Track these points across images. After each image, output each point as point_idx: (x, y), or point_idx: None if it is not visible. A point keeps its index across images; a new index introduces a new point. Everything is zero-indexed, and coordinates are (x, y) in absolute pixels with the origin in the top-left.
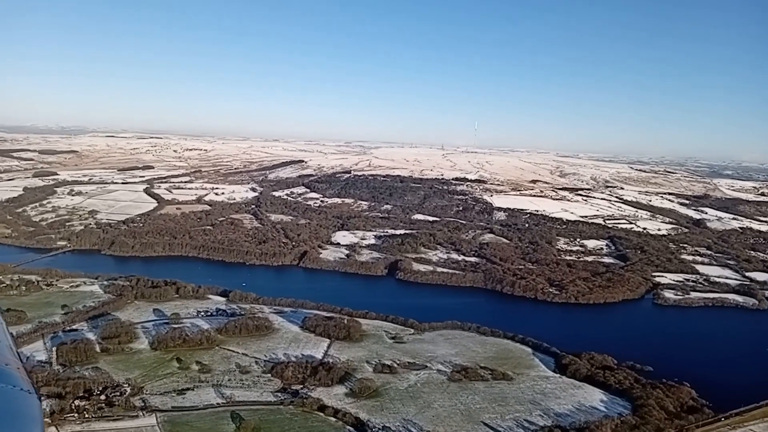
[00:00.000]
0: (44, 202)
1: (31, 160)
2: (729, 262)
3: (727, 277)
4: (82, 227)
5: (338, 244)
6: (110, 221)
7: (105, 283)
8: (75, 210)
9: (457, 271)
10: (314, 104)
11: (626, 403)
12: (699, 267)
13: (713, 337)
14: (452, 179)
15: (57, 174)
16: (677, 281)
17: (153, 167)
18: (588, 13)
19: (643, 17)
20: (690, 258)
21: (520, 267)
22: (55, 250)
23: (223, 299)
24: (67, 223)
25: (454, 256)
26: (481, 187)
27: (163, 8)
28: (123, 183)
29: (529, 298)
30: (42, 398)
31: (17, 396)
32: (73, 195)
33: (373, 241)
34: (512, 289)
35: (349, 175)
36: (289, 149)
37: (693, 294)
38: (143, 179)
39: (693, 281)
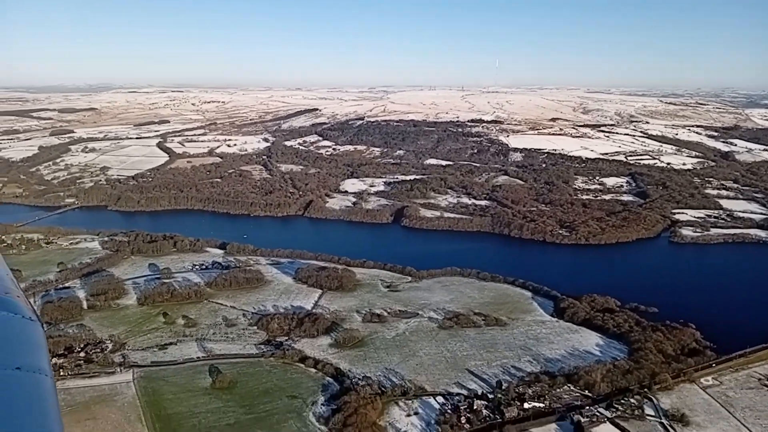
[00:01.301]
0: (58, 160)
1: (50, 119)
2: (756, 195)
3: (752, 212)
4: (92, 184)
5: (346, 192)
6: (120, 177)
7: (105, 239)
8: (87, 167)
9: (464, 216)
10: (338, 51)
11: (623, 347)
12: (723, 202)
13: (729, 276)
14: (468, 121)
15: (73, 132)
16: (698, 218)
17: (169, 121)
18: None
19: None
20: (714, 193)
21: (532, 209)
22: (63, 208)
23: (221, 252)
24: (78, 181)
25: (465, 200)
26: (497, 128)
27: None
28: (137, 138)
29: (537, 240)
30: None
31: (21, 324)
32: (86, 152)
33: (382, 188)
34: (520, 233)
35: (362, 121)
36: (309, 98)
37: (713, 231)
38: (158, 134)
39: (715, 217)
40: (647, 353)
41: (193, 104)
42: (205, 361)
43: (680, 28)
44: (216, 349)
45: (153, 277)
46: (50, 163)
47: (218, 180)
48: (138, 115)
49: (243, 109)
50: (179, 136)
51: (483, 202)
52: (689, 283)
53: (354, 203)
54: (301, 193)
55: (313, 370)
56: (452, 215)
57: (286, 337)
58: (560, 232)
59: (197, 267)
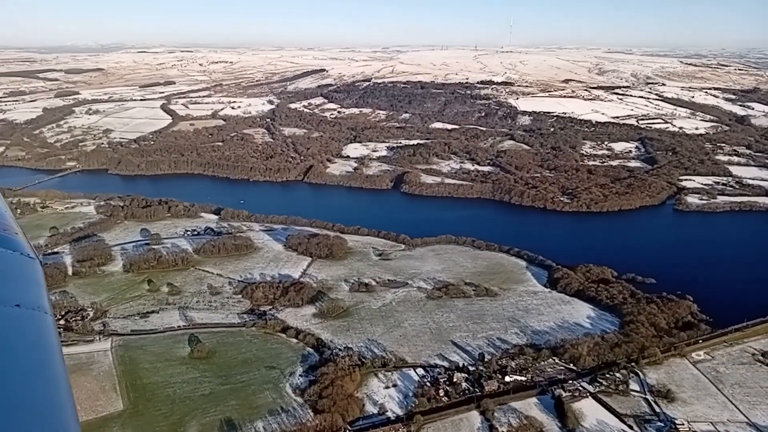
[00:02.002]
0: (61, 122)
1: (57, 80)
2: None
3: (762, 179)
4: (94, 147)
5: (348, 157)
6: (122, 140)
7: (101, 203)
8: (90, 129)
9: (466, 182)
10: (350, 9)
11: (615, 319)
12: (734, 168)
13: (733, 246)
14: (477, 83)
15: (79, 93)
16: (706, 185)
17: (174, 82)
18: None
19: None
20: (725, 159)
21: (535, 175)
22: (64, 172)
23: (215, 217)
24: (81, 144)
25: (468, 165)
26: (507, 90)
27: None
28: (142, 100)
29: (538, 208)
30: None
31: (20, 261)
32: (90, 114)
33: (384, 153)
34: (521, 200)
35: (368, 83)
36: (319, 58)
37: (720, 198)
38: (162, 95)
39: (723, 184)
40: (639, 326)
41: (200, 65)
42: (186, 330)
43: None
44: (198, 317)
45: (142, 243)
46: (54, 125)
47: (220, 143)
48: (144, 76)
49: (250, 69)
50: (184, 97)
51: (486, 168)
52: (690, 253)
53: (355, 169)
54: (302, 157)
55: (294, 340)
56: (453, 181)
57: (270, 306)
58: (561, 199)
59: (189, 233)
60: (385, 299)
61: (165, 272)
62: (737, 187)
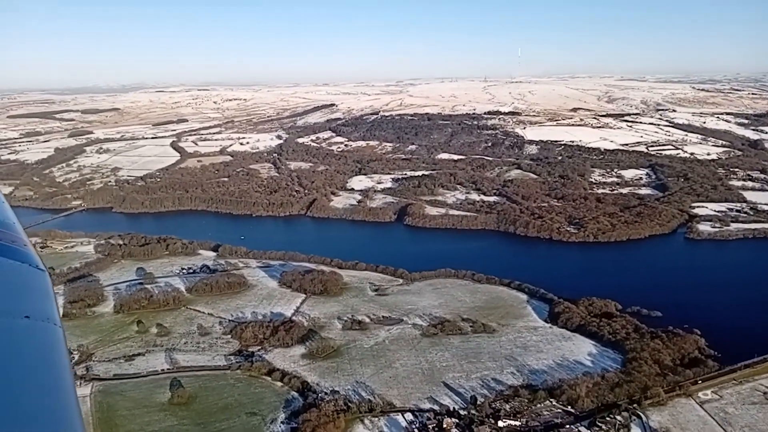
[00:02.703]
0: (71, 162)
1: (73, 120)
2: None
3: None
4: (102, 185)
5: (352, 189)
6: (129, 178)
7: (102, 242)
8: (98, 168)
9: (470, 213)
10: (366, 45)
11: (617, 356)
12: (747, 194)
13: (745, 275)
14: (484, 113)
15: (92, 133)
16: (718, 211)
17: (187, 120)
18: None
19: None
20: (739, 184)
21: (542, 204)
22: (69, 210)
23: (213, 254)
24: (88, 182)
25: (474, 196)
26: (514, 120)
27: None
28: (153, 138)
29: (543, 238)
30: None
31: (30, 273)
32: (100, 153)
33: (389, 185)
34: (526, 230)
35: (376, 116)
36: (332, 93)
37: (733, 225)
38: (174, 133)
39: (737, 210)
40: (641, 364)
41: (214, 102)
42: (169, 374)
43: (716, 9)
44: (184, 360)
45: (135, 283)
46: (64, 164)
47: (225, 179)
48: (159, 115)
49: (263, 106)
50: (194, 134)
51: (492, 198)
52: (700, 283)
53: (359, 201)
54: (306, 191)
55: (279, 383)
56: (458, 213)
57: (259, 347)
58: (568, 229)
59: (184, 271)
60: (378, 337)
61: (156, 312)
62: (751, 213)
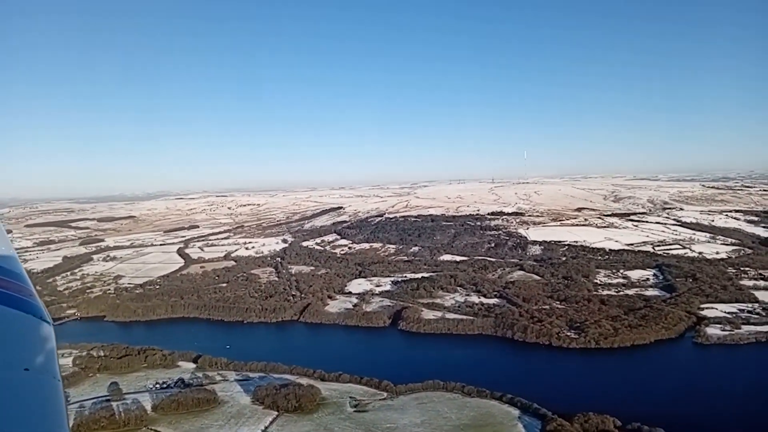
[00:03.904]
0: (76, 270)
1: (88, 228)
2: None
3: None
4: (101, 293)
5: (350, 293)
6: (129, 285)
7: (83, 354)
8: (101, 276)
9: (469, 317)
10: (381, 148)
11: None
12: (759, 294)
13: (759, 384)
14: (488, 214)
15: (103, 241)
16: (729, 313)
17: (198, 226)
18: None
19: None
20: (750, 284)
21: (544, 307)
22: (62, 319)
23: (193, 366)
24: (88, 290)
25: (474, 298)
26: (517, 220)
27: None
28: (161, 245)
29: (542, 344)
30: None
31: (34, 324)
32: (107, 261)
33: (388, 288)
34: (524, 335)
35: (381, 218)
36: (346, 196)
37: (744, 328)
38: (183, 239)
39: (749, 312)
40: None
41: (228, 208)
42: None
43: (728, 108)
44: None
45: (102, 399)
46: (68, 273)
47: (224, 285)
48: (173, 221)
49: (274, 211)
50: (202, 240)
51: (492, 300)
52: (708, 393)
53: (354, 305)
54: (303, 295)
55: None
56: (455, 316)
57: None
58: (568, 334)
59: (158, 386)
60: None
61: None
62: (764, 314)
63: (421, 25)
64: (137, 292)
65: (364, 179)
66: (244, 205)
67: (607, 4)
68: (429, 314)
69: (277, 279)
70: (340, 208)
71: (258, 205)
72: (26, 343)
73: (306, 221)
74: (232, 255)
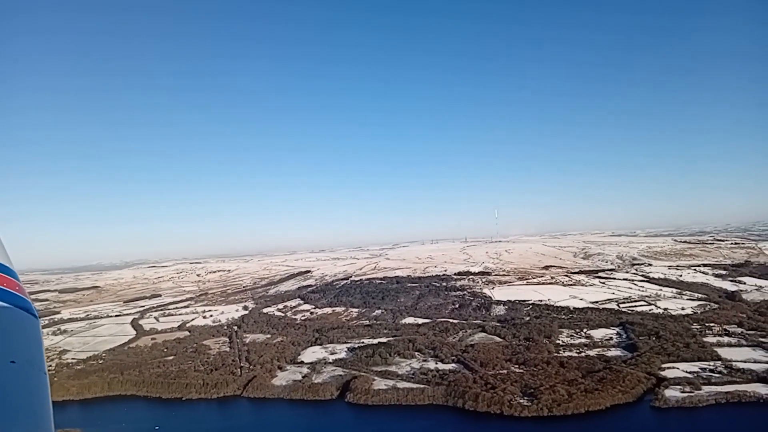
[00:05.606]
0: None
1: (47, 300)
2: (762, 340)
3: (755, 361)
4: None
5: (302, 362)
6: (72, 361)
7: None
8: (46, 351)
9: (421, 385)
10: (361, 211)
11: None
12: (723, 350)
13: None
14: (454, 274)
15: (59, 313)
16: (690, 372)
17: (161, 295)
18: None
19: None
20: (714, 340)
21: (501, 372)
22: None
23: None
24: None
25: (430, 364)
26: (484, 280)
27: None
28: (117, 316)
29: (494, 413)
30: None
31: (20, 317)
32: (56, 335)
33: (343, 356)
34: (475, 404)
35: (346, 281)
36: (322, 259)
37: (705, 389)
38: (142, 309)
39: (710, 371)
40: None
41: (197, 275)
42: None
43: (704, 163)
44: None
45: None
46: None
47: (170, 358)
48: (137, 291)
49: (243, 276)
50: (161, 310)
51: (449, 366)
52: None
53: (304, 376)
54: (251, 367)
55: None
56: (407, 385)
57: None
58: (520, 401)
59: None
60: None
61: None
62: (725, 372)
63: (415, 94)
64: (78, 368)
65: (344, 241)
66: (214, 272)
67: (584, 65)
68: (381, 383)
69: (228, 350)
70: (308, 271)
71: (228, 271)
72: (12, 335)
73: (272, 286)
74: (188, 325)
